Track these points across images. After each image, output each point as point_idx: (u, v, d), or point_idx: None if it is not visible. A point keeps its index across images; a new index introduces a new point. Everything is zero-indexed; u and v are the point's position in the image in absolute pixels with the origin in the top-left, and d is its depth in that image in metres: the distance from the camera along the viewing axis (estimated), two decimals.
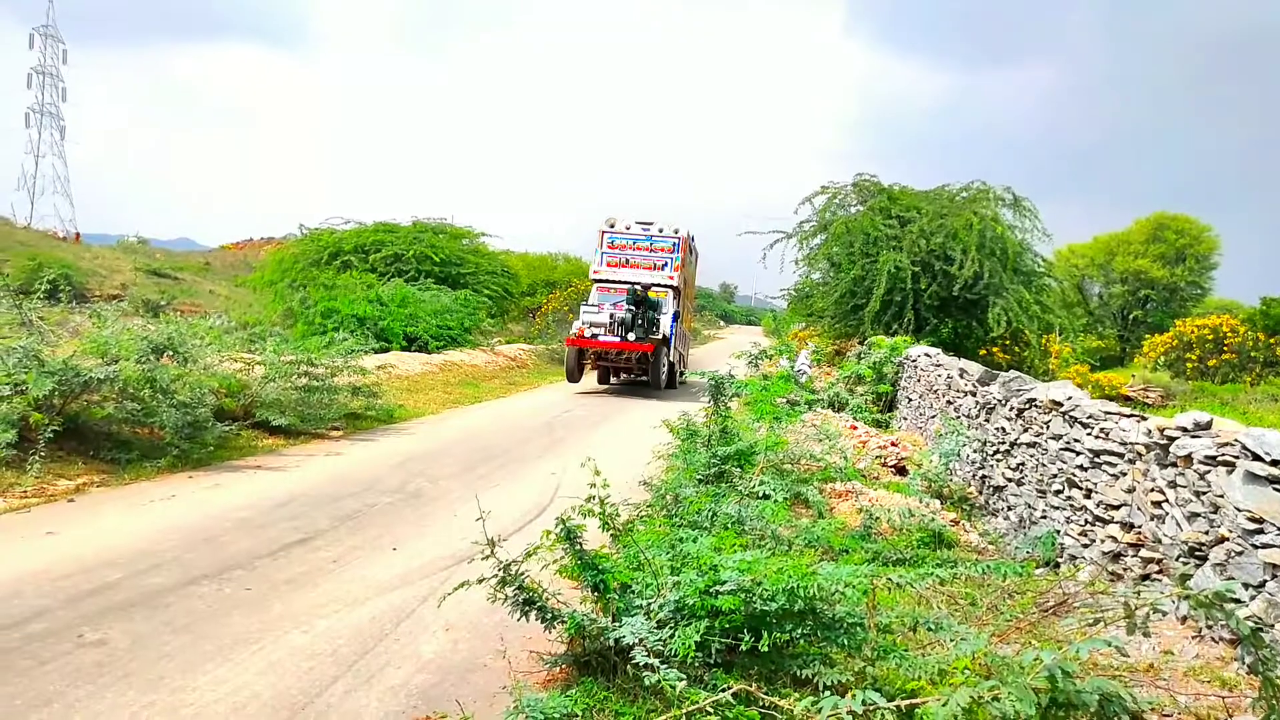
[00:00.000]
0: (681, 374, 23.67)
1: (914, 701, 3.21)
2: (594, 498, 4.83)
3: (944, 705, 2.89)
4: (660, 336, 19.55)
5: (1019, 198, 19.81)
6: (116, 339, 9.76)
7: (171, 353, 9.97)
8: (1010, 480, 8.31)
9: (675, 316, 20.78)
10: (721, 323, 79.93)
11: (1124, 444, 6.24)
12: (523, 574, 4.48)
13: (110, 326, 10.59)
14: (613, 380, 21.89)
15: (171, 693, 4.27)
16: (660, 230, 21.60)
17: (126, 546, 6.46)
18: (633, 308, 19.29)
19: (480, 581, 4.43)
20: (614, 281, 21.02)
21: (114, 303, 18.81)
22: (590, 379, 21.90)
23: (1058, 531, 7.10)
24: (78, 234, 50.82)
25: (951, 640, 4.44)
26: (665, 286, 21.05)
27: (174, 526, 7.08)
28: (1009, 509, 8.27)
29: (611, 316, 19.35)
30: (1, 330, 9.59)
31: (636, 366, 19.79)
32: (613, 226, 21.82)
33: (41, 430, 8.23)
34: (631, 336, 19.08)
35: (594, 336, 19.35)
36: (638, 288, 19.65)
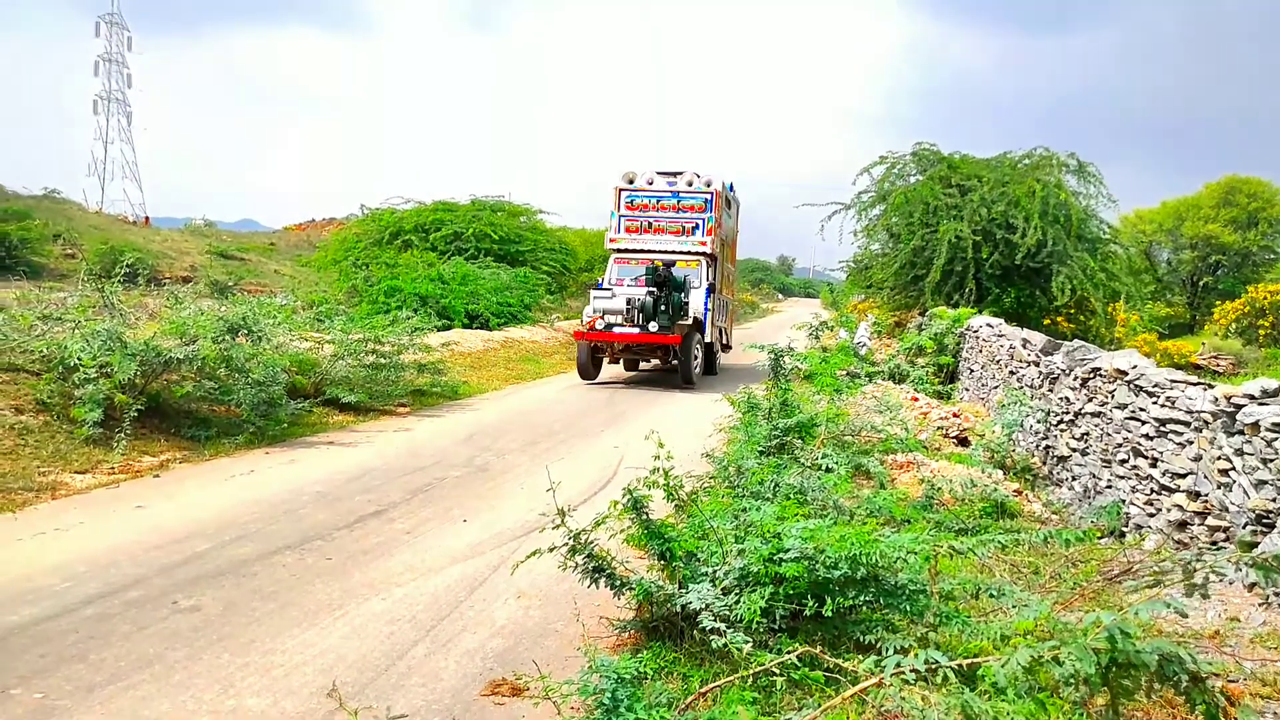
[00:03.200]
0: (724, 350, 20.74)
1: (975, 661, 3.31)
2: (658, 469, 4.96)
3: (1004, 665, 2.99)
4: (690, 321, 16.58)
5: (1083, 163, 19.47)
6: (193, 320, 10.11)
7: (245, 332, 10.29)
8: (1074, 450, 8.30)
9: (710, 290, 17.87)
10: (780, 295, 79.59)
11: (1190, 412, 6.22)
12: (591, 543, 4.64)
13: (187, 308, 10.96)
14: (642, 366, 19.50)
15: (263, 655, 4.51)
16: (689, 183, 18.43)
17: (212, 519, 6.76)
18: (654, 289, 16.13)
19: (551, 550, 4.61)
20: (636, 251, 18.05)
21: (187, 284, 19.37)
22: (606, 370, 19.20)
23: (1123, 501, 7.09)
24: (147, 218, 52.10)
25: (1014, 607, 4.52)
26: (697, 254, 18.13)
27: (255, 500, 7.38)
28: (1073, 479, 8.26)
29: (629, 302, 16.08)
30: (85, 314, 9.97)
31: (664, 356, 16.90)
32: (631, 183, 18.67)
33: (126, 409, 8.58)
34: (654, 327, 15.89)
35: (608, 328, 16.15)
36: (659, 263, 16.56)
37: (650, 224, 18.38)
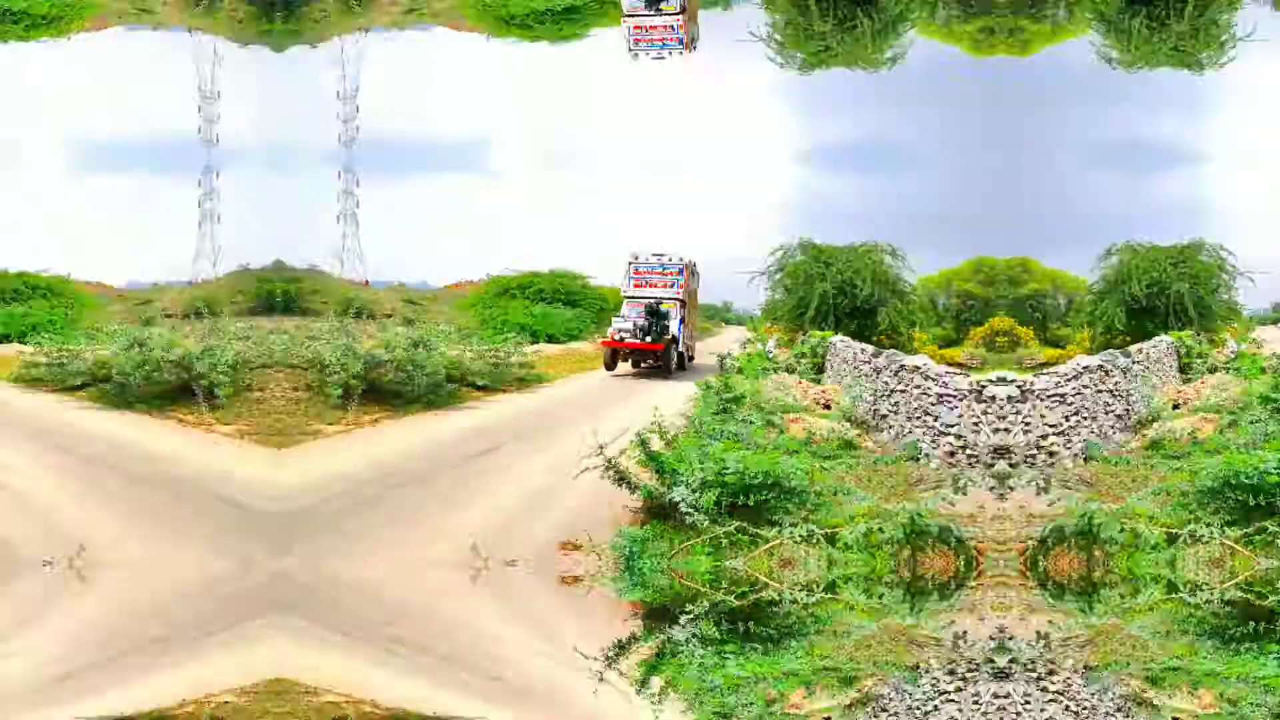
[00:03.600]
0: (690, 359, 21.91)
1: (834, 531, 3.33)
2: (656, 423, 4.98)
3: (851, 533, 3.01)
4: (670, 337, 19.15)
5: (895, 248, 19.44)
6: (392, 339, 10.08)
7: (422, 345, 10.26)
8: (890, 412, 8.25)
9: (681, 320, 19.35)
10: (724, 324, 78.95)
11: (956, 390, 6.22)
12: (618, 464, 4.66)
13: (389, 331, 10.92)
14: (642, 365, 20.45)
15: (438, 525, 4.53)
16: (669, 259, 20.31)
17: (406, 451, 6.77)
18: (650, 317, 19.42)
19: (595, 468, 4.62)
20: (638, 297, 19.94)
21: (389, 318, 19.29)
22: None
23: (919, 443, 7.05)
24: (366, 280, 51.94)
25: (858, 500, 4.52)
26: (674, 299, 19.90)
27: (430, 440, 7.31)
28: (890, 429, 8.22)
29: (634, 324, 15.95)
30: (333, 335, 9.94)
31: (655, 358, 18.33)
32: (636, 258, 20.71)
33: (355, 389, 8.57)
34: (648, 339, 16.20)
35: (621, 339, 16.05)
36: (652, 303, 18.52)
37: (647, 281, 18.72)
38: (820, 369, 15.53)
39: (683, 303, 18.64)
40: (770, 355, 18.93)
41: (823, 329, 19.18)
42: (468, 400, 10.81)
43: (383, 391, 9.67)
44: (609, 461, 4.62)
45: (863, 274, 19.60)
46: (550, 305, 30.17)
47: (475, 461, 6.51)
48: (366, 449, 6.79)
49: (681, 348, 18.16)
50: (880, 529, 3.07)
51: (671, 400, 11.39)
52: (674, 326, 17.30)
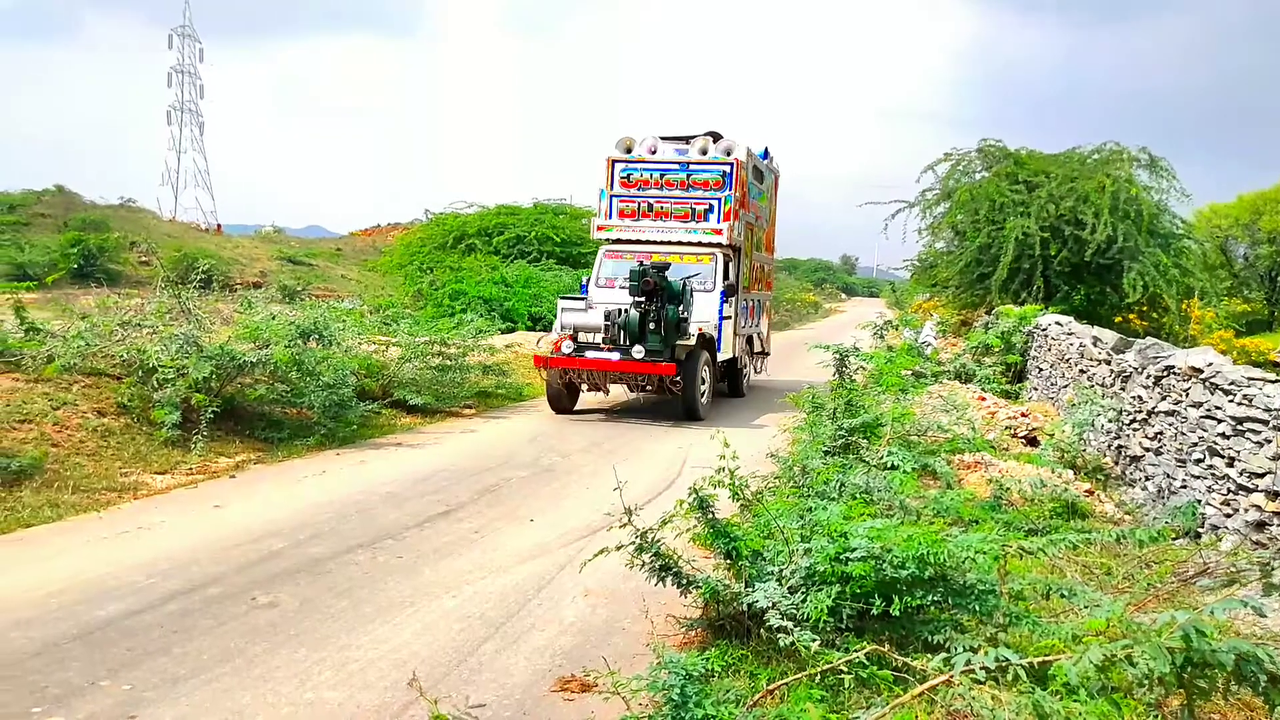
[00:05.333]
0: (756, 371, 17.06)
1: (1046, 660, 3.29)
2: (723, 469, 4.99)
3: (1076, 664, 2.97)
4: (692, 341, 12.46)
5: (1155, 158, 19.05)
6: (266, 324, 10.37)
7: (316, 336, 10.52)
8: (1148, 450, 8.15)
9: (728, 293, 13.79)
10: (843, 295, 78.88)
11: (1269, 410, 6.08)
12: (658, 541, 4.69)
13: (259, 312, 11.25)
14: (644, 390, 13.78)
15: (339, 650, 4.63)
16: (703, 151, 14.12)
17: (286, 518, 6.93)
18: (640, 299, 12.24)
19: (617, 549, 4.66)
20: (632, 242, 13.97)
21: (258, 290, 19.83)
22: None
23: (1198, 501, 6.95)
24: (219, 225, 53.33)
25: (1085, 607, 4.47)
26: (710, 246, 13.86)
27: (328, 500, 7.55)
28: (1147, 479, 8.11)
29: (608, 317, 12.40)
30: (162, 318, 10.27)
31: (658, 386, 12.42)
32: (629, 151, 14.45)
33: (203, 411, 8.82)
34: (638, 351, 11.97)
35: (576, 351, 12.31)
36: (646, 265, 12.36)
37: (651, 206, 14.22)
38: (1019, 374, 15.49)
39: (732, 251, 14.42)
40: (927, 349, 18.90)
41: (1022, 301, 19.14)
42: (396, 430, 11.16)
43: (250, 417, 9.98)
44: (642, 537, 4.64)
45: (1095, 201, 19.62)
46: (536, 263, 30.97)
47: (410, 536, 6.70)
48: (224, 515, 7.02)
49: (731, 350, 14.41)
50: (1129, 659, 3.02)
51: (745, 429, 11.55)
52: (706, 311, 13.50)
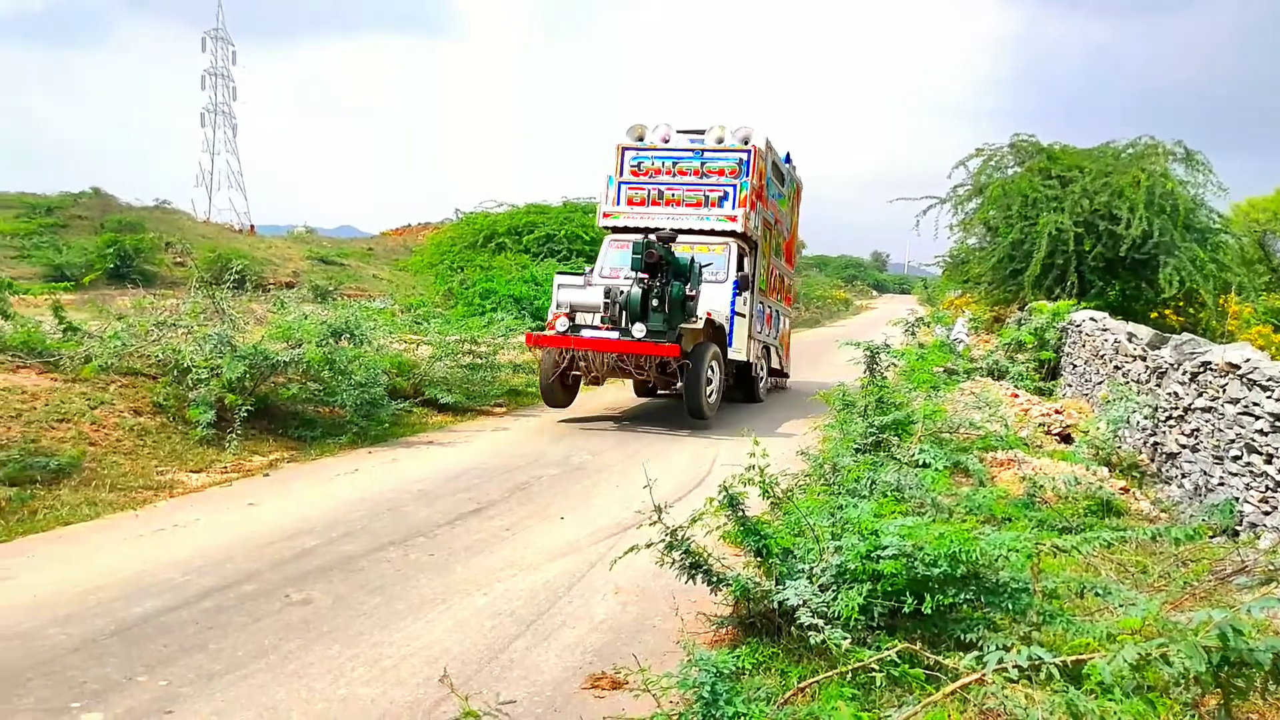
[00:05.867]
0: (779, 374, 16.45)
1: (1080, 659, 3.26)
2: (754, 467, 4.99)
3: (1111, 662, 2.94)
4: (698, 325, 11.58)
5: (1191, 151, 18.79)
6: (298, 324, 10.47)
7: (347, 335, 10.60)
8: (1184, 447, 8.05)
9: (741, 285, 13.01)
10: (874, 292, 78.43)
11: None
12: (688, 539, 4.69)
13: (292, 312, 11.36)
14: (654, 392, 14.30)
15: (371, 647, 4.67)
16: (719, 140, 13.72)
17: (319, 516, 6.99)
18: (643, 276, 11.42)
19: (647, 546, 4.67)
20: (640, 230, 12.95)
21: (290, 290, 20.01)
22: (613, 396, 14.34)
23: (1236, 499, 6.86)
24: (252, 226, 53.80)
25: (1120, 606, 4.43)
26: (724, 234, 13.24)
27: (360, 498, 7.61)
28: (1183, 476, 8.02)
29: (608, 294, 11.64)
30: (197, 319, 10.40)
31: (658, 375, 11.60)
32: (641, 140, 14.04)
33: (236, 410, 8.92)
34: (639, 330, 11.03)
35: (570, 330, 11.54)
36: (651, 238, 11.51)
37: (662, 193, 13.59)
38: (1053, 371, 15.36)
39: (748, 243, 13.79)
40: (959, 346, 18.77)
41: (1056, 297, 18.97)
42: (427, 428, 11.22)
43: (283, 416, 10.08)
44: (672, 535, 4.65)
45: (1129, 196, 19.39)
46: (566, 261, 31.07)
47: (441, 534, 6.74)
48: (257, 513, 7.09)
49: (744, 352, 13.57)
50: (1165, 658, 2.99)
51: (775, 427, 11.51)
52: (717, 300, 12.80)
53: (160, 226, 35.90)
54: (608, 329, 11.45)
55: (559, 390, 12.04)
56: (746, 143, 13.63)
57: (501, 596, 5.47)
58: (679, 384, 11.44)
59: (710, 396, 11.63)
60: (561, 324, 11.53)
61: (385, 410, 10.48)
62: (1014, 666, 3.17)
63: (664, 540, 4.65)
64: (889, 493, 6.34)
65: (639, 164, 13.90)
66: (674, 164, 13.71)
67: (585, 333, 11.53)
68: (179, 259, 32.11)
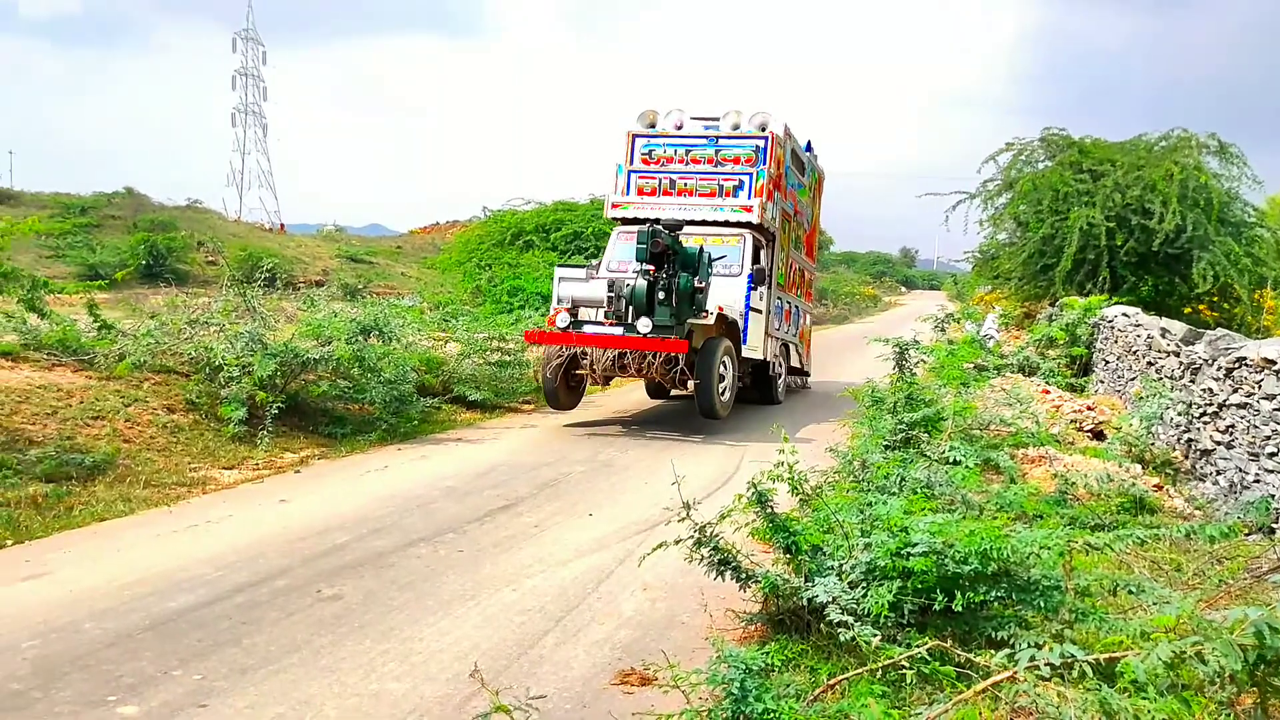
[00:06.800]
0: (793, 382, 15.69)
1: (1113, 657, 3.23)
2: (782, 463, 4.98)
3: (1145, 660, 2.92)
4: (708, 320, 10.95)
5: (1225, 144, 18.54)
6: (328, 321, 10.56)
7: (376, 333, 10.68)
8: (1219, 443, 7.96)
9: (757, 278, 12.37)
10: (902, 288, 77.97)
11: None
12: (717, 536, 4.69)
13: (321, 310, 11.45)
14: (667, 389, 13.01)
15: (402, 642, 4.70)
16: (735, 126, 13.07)
17: (350, 513, 7.05)
18: (649, 267, 10.74)
19: (676, 543, 4.68)
20: (650, 221, 11.53)
21: (320, 288, 20.16)
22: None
23: (1272, 496, 6.78)
24: (282, 225, 54.29)
25: (1154, 604, 4.38)
26: (739, 225, 12.60)
27: (390, 494, 7.66)
28: (1218, 473, 7.92)
29: (612, 287, 11.01)
30: (228, 317, 10.50)
31: (663, 371, 10.81)
32: (652, 126, 13.37)
33: (267, 407, 9.00)
34: (644, 325, 10.48)
35: (571, 326, 10.95)
36: (657, 225, 10.63)
37: (674, 182, 13.01)
38: (1084, 367, 15.22)
39: (764, 235, 13.20)
40: (990, 342, 18.64)
41: (1088, 292, 18.78)
42: (456, 425, 11.28)
43: (313, 413, 10.17)
44: (701, 531, 4.65)
45: (1162, 190, 19.17)
46: (594, 258, 30.93)
47: (470, 530, 6.77)
48: (289, 510, 7.16)
49: (760, 350, 13.03)
50: (1200, 656, 2.96)
51: (794, 431, 11.48)
52: (729, 294, 12.23)
53: (192, 226, 36.32)
54: (611, 324, 10.87)
55: (562, 391, 11.41)
56: (764, 129, 13.03)
57: (530, 592, 5.50)
58: (692, 382, 10.85)
59: (723, 395, 11.10)
60: (562, 320, 10.95)
61: (414, 407, 10.55)
62: (1046, 664, 3.15)
63: (692, 537, 4.65)
64: (919, 490, 6.30)
65: (650, 152, 13.29)
66: (687, 152, 13.13)
67: (588, 328, 10.94)
68: (210, 258, 32.45)
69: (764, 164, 12.75)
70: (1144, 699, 3.12)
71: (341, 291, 22.01)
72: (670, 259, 10.66)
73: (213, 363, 9.26)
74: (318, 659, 4.47)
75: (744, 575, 4.65)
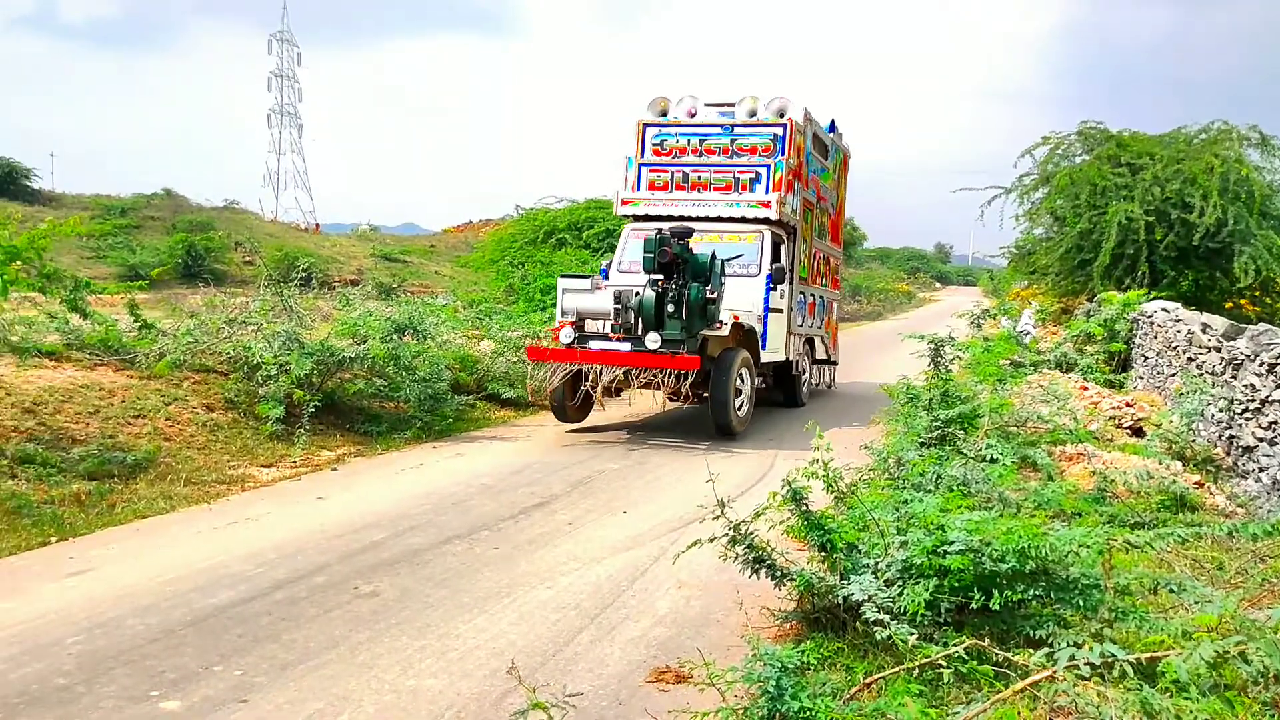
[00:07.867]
0: (819, 379, 14.90)
1: (1155, 656, 3.20)
2: (817, 460, 4.96)
3: (1187, 660, 2.88)
4: (723, 331, 10.40)
5: (1266, 136, 18.21)
6: (363, 320, 10.64)
7: (411, 331, 10.75)
8: (1261, 440, 7.84)
9: (776, 278, 11.63)
10: (937, 284, 77.39)
11: None
12: (751, 533, 4.69)
13: (357, 309, 11.54)
14: (672, 397, 11.51)
15: (439, 638, 4.74)
16: (751, 113, 12.33)
17: (386, 510, 7.11)
18: (657, 277, 10.23)
19: (711, 541, 4.67)
20: (663, 218, 11.89)
21: (355, 287, 20.33)
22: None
23: None
24: (317, 225, 54.77)
25: (1196, 603, 4.33)
26: (755, 221, 11.92)
27: (425, 492, 7.72)
28: (1261, 470, 7.80)
29: (618, 299, 10.33)
30: (265, 316, 10.61)
31: (674, 387, 10.10)
32: (663, 114, 12.76)
33: (304, 406, 9.09)
34: (653, 341, 9.94)
35: (577, 342, 10.44)
36: (666, 233, 10.13)
37: (687, 175, 12.31)
38: (1123, 363, 15.05)
39: (784, 230, 12.71)
40: (1026, 338, 18.47)
41: (1126, 288, 18.55)
42: (490, 423, 11.34)
43: (349, 411, 10.26)
44: (736, 529, 4.64)
45: (1203, 183, 18.88)
46: None
47: (506, 528, 6.81)
48: (326, 507, 7.23)
49: (781, 351, 12.56)
50: (1243, 656, 2.92)
51: (833, 426, 11.42)
52: (746, 299, 11.67)
53: (229, 226, 36.74)
54: (619, 339, 10.24)
55: (569, 407, 10.86)
56: (782, 116, 12.26)
57: (565, 590, 5.52)
58: (706, 393, 10.41)
59: (740, 409, 10.61)
60: (566, 335, 10.41)
61: (449, 405, 10.62)
62: (1086, 664, 3.12)
63: (727, 535, 4.64)
64: (955, 487, 6.26)
65: (661, 142, 12.57)
66: (700, 142, 12.38)
67: (593, 344, 10.31)
68: (247, 258, 32.80)
69: (783, 154, 12.09)
70: (1186, 699, 3.08)
71: (376, 290, 22.17)
72: (680, 268, 10.16)
73: (250, 361, 9.38)
74: (355, 655, 4.52)
75: (779, 573, 4.64)
